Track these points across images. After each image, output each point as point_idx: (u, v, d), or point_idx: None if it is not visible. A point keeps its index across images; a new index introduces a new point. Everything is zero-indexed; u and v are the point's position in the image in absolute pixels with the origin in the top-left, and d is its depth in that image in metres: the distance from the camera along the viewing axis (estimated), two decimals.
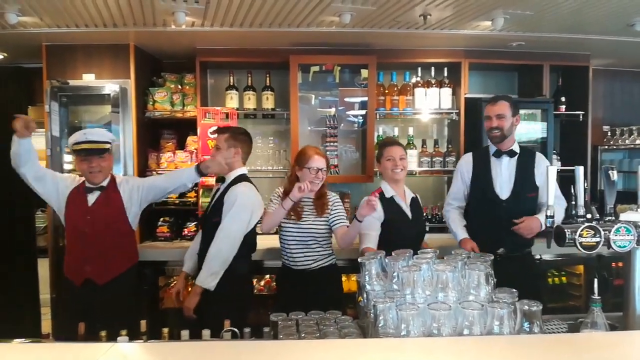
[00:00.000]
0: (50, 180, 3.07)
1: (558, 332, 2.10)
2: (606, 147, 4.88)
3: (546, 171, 2.13)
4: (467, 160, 3.38)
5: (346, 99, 4.46)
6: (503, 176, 3.19)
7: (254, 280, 3.88)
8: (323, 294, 3.03)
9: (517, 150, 3.22)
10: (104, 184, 3.07)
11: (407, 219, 3.15)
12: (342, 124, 4.47)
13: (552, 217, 2.13)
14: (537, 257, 3.60)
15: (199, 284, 2.92)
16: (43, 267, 4.43)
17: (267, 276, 4.09)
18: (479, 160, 3.31)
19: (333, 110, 4.43)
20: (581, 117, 4.44)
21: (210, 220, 3.07)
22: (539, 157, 3.26)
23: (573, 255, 3.92)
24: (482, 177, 3.25)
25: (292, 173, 3.25)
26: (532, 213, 3.11)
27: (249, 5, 3.16)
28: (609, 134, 4.91)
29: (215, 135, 3.34)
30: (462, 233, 3.24)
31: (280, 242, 3.22)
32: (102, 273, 2.99)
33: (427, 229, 3.49)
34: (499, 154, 3.21)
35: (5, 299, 4.51)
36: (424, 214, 3.35)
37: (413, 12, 3.32)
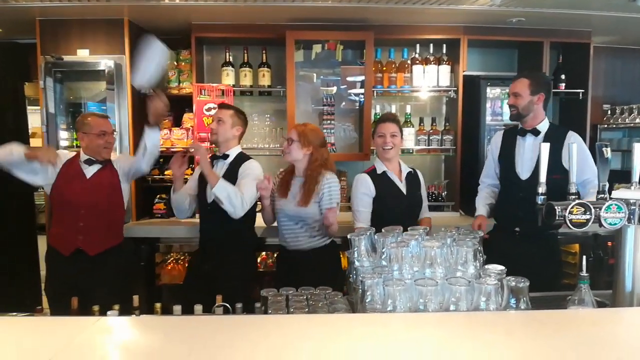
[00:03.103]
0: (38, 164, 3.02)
1: None
2: (605, 125, 4.84)
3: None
4: (497, 137, 3.28)
5: (347, 78, 4.39)
6: (525, 155, 3.03)
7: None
8: (317, 274, 2.99)
9: (542, 129, 3.03)
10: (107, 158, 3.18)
11: (401, 193, 3.12)
12: (343, 103, 4.42)
13: (544, 194, 2.12)
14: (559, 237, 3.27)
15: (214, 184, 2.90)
16: (42, 243, 4.46)
17: (263, 253, 4.11)
18: (507, 138, 3.19)
19: (334, 89, 4.37)
20: (581, 95, 4.37)
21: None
22: (570, 136, 2.96)
23: (569, 234, 3.89)
24: (506, 155, 3.14)
25: None
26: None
27: None
28: (609, 112, 4.86)
29: (213, 112, 3.41)
30: (480, 209, 3.19)
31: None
32: (93, 244, 3.06)
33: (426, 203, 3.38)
34: (523, 132, 3.08)
35: (7, 275, 4.54)
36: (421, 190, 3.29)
37: None
